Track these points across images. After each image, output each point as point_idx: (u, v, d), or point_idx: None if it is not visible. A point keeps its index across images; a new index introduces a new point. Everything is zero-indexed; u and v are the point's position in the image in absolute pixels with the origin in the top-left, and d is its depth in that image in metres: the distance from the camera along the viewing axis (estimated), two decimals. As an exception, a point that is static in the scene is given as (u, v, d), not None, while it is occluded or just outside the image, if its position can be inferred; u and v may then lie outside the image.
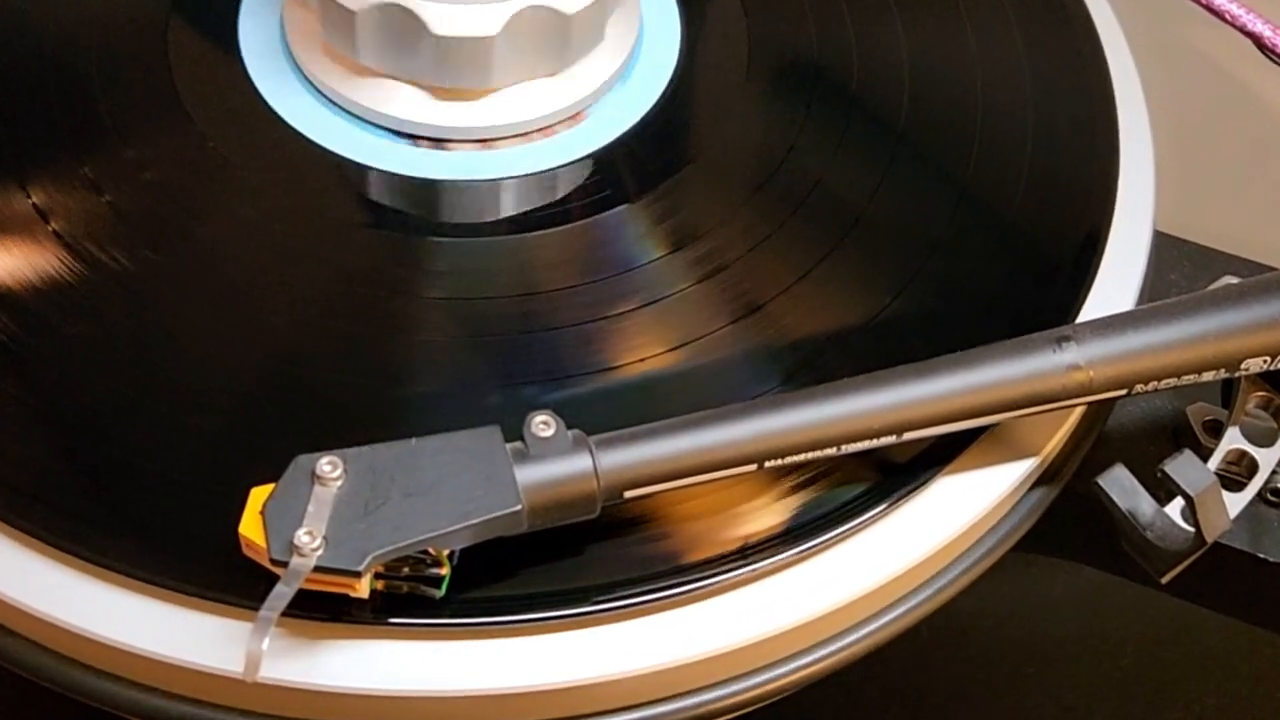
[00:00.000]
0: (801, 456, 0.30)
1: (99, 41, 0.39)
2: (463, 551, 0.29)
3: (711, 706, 0.31)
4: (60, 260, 0.34)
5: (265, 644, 0.27)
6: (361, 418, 0.32)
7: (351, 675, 0.29)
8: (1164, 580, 0.32)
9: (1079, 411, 0.34)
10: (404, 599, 0.29)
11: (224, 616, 0.30)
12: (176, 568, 0.30)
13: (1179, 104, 0.44)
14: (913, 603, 0.33)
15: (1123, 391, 0.32)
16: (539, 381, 0.33)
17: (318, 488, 0.28)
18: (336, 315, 0.34)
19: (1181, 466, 0.30)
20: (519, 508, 0.29)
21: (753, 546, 0.31)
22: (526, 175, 0.37)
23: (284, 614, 0.27)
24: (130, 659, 0.30)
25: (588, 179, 0.37)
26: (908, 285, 0.36)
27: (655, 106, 0.39)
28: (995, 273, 0.36)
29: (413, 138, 0.37)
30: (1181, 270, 0.39)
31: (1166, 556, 0.32)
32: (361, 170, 0.37)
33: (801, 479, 0.32)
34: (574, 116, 0.38)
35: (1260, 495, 0.35)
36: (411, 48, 0.36)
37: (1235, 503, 0.32)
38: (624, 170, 0.37)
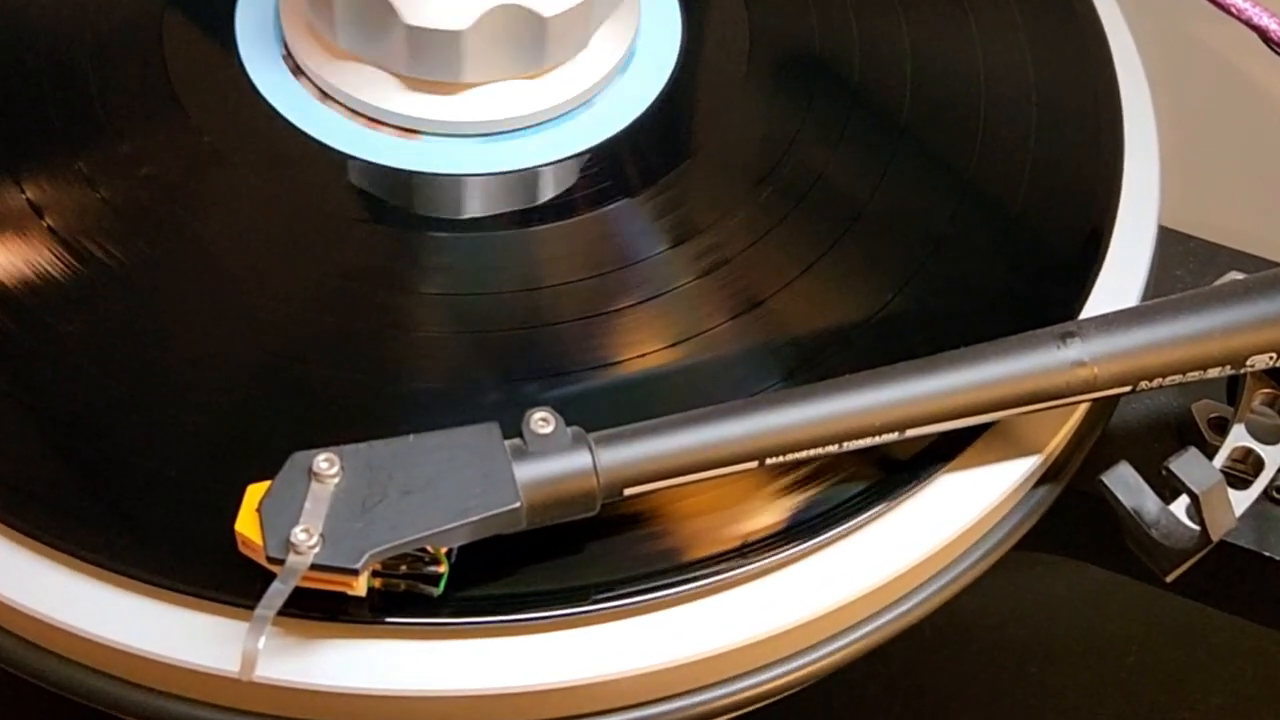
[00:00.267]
0: (802, 454, 0.30)
1: (93, 34, 0.38)
2: (461, 549, 0.29)
3: (711, 706, 0.31)
4: (54, 256, 0.34)
5: (261, 643, 0.27)
6: (359, 414, 0.32)
7: (348, 674, 0.29)
8: (1169, 579, 0.32)
9: (1083, 408, 0.34)
10: (402, 597, 0.29)
11: (219, 615, 0.29)
12: (172, 566, 0.30)
13: (1184, 98, 0.44)
14: (914, 601, 0.33)
15: (1127, 388, 0.31)
16: (538, 378, 0.33)
17: (315, 485, 0.28)
18: (334, 311, 0.34)
19: (1187, 464, 0.30)
20: (518, 505, 0.29)
21: (753, 544, 0.31)
22: (526, 169, 0.37)
23: (280, 612, 0.27)
24: (125, 658, 0.30)
25: (588, 173, 0.37)
26: (910, 281, 0.35)
27: (656, 100, 0.38)
28: (998, 268, 0.36)
29: (410, 131, 0.37)
30: (1186, 266, 0.39)
31: (1171, 555, 0.32)
32: (359, 165, 0.37)
33: (802, 476, 0.32)
34: (574, 110, 0.38)
35: (1266, 493, 0.34)
36: (382, 34, 0.36)
37: (1241, 500, 0.32)
38: (624, 164, 0.37)
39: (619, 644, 0.30)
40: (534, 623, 0.30)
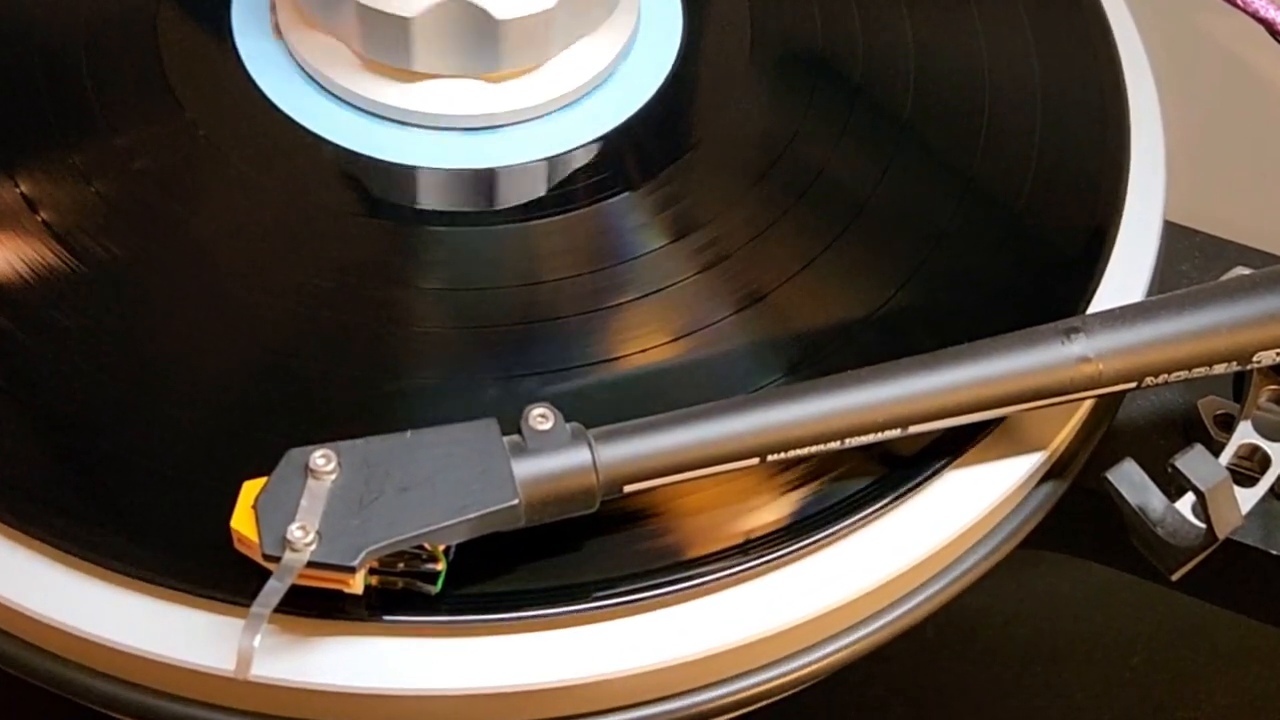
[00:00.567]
0: (805, 450, 0.30)
1: (87, 27, 0.38)
2: (459, 546, 0.29)
3: (711, 705, 0.31)
4: (49, 251, 0.34)
5: (257, 641, 0.27)
6: (355, 410, 0.32)
7: (345, 673, 0.29)
8: (1174, 577, 0.32)
9: (1088, 405, 0.34)
10: (399, 595, 0.29)
11: (215, 613, 0.29)
12: (166, 563, 0.30)
13: (1190, 92, 0.44)
14: (918, 600, 0.32)
15: (1132, 384, 0.31)
16: (536, 373, 0.33)
17: (311, 481, 0.28)
18: (331, 305, 0.34)
19: (1192, 461, 0.30)
20: (516, 502, 0.28)
21: (755, 542, 0.31)
22: (524, 163, 0.37)
23: (276, 610, 0.27)
24: (119, 656, 0.30)
25: (588, 166, 0.37)
26: (913, 276, 0.35)
27: (657, 93, 0.38)
28: (1002, 263, 0.36)
29: (407, 124, 0.37)
30: (1193, 261, 0.39)
31: (1177, 553, 0.31)
32: (356, 158, 0.36)
33: (804, 473, 0.32)
34: (574, 103, 0.38)
35: (1273, 491, 0.34)
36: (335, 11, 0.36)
37: (1247, 498, 0.32)
38: (625, 158, 0.37)
39: (618, 643, 0.30)
40: (533, 621, 0.30)
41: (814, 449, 0.30)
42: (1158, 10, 0.43)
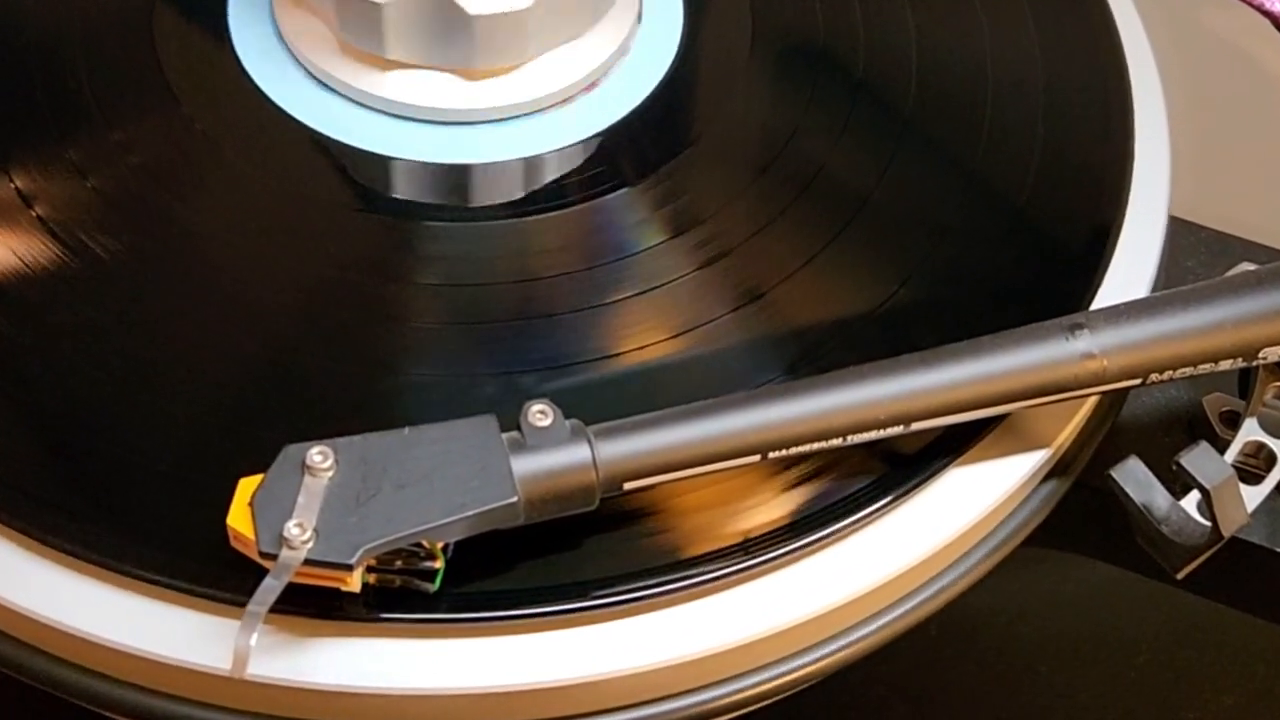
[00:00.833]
0: (806, 447, 0.30)
1: (83, 19, 0.38)
2: (457, 544, 0.29)
3: (712, 706, 0.31)
4: (44, 246, 0.34)
5: (253, 640, 0.27)
6: (353, 406, 0.32)
7: (342, 672, 0.29)
8: (1179, 576, 0.32)
9: (1092, 402, 0.34)
10: (397, 593, 0.29)
11: (211, 612, 0.29)
12: (162, 561, 0.29)
13: (1195, 86, 0.44)
14: (920, 599, 0.32)
15: (1137, 381, 0.31)
16: (536, 370, 0.33)
17: (308, 478, 0.28)
18: (327, 301, 0.34)
19: (1198, 459, 0.30)
20: (515, 499, 0.28)
21: (755, 540, 0.31)
22: (523, 158, 0.37)
23: (273, 609, 0.27)
24: (114, 655, 0.29)
25: (587, 162, 0.37)
26: (915, 272, 0.35)
27: (657, 88, 0.38)
28: (1005, 259, 0.36)
29: (405, 118, 0.37)
30: (1197, 257, 0.39)
31: (1182, 551, 0.31)
32: (354, 153, 0.36)
33: (806, 471, 0.32)
34: (573, 97, 0.38)
35: (1279, 488, 0.34)
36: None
37: (1253, 496, 0.32)
38: (624, 153, 0.37)
39: (618, 642, 0.30)
40: (532, 620, 0.29)
41: (815, 446, 0.30)
42: (1162, 3, 0.43)
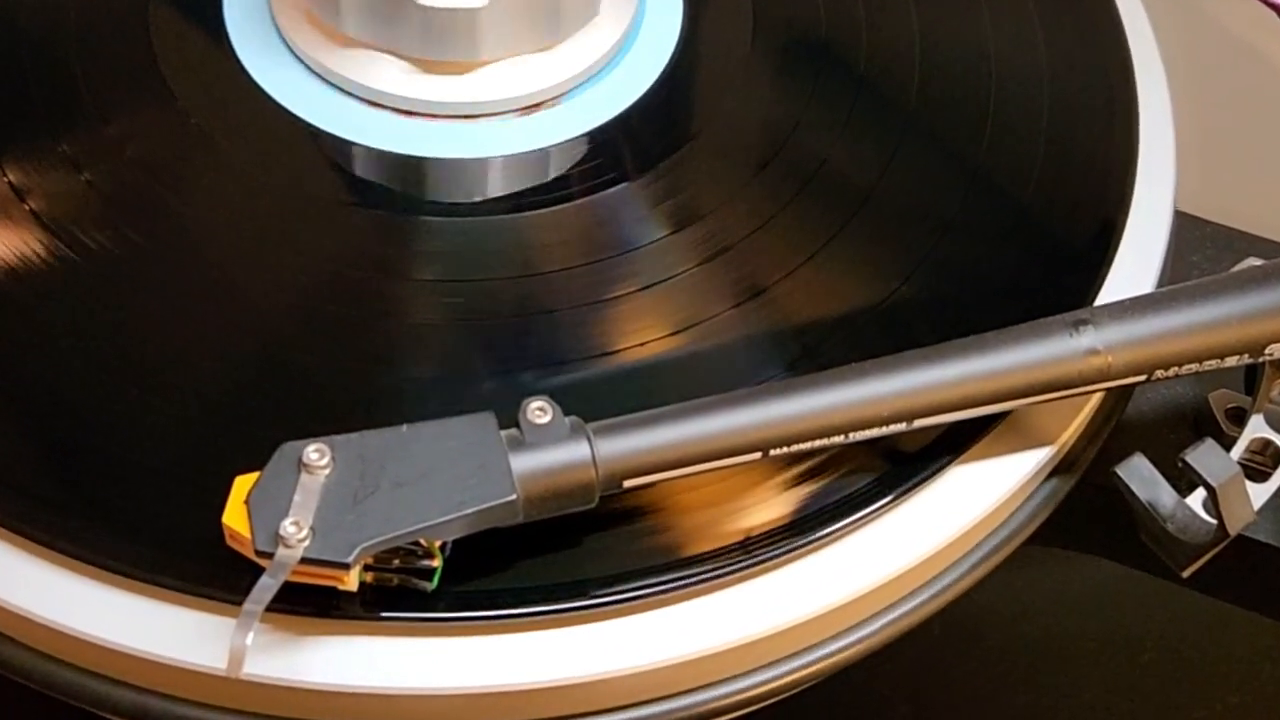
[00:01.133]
0: (807, 445, 0.30)
1: (78, 11, 0.38)
2: (455, 543, 0.29)
3: (712, 706, 0.30)
4: (37, 241, 0.34)
5: (249, 639, 0.27)
6: (350, 404, 0.32)
7: (339, 672, 0.29)
8: (1185, 574, 0.32)
9: (1097, 398, 0.34)
10: (394, 592, 0.29)
11: (206, 611, 0.29)
12: (157, 560, 0.29)
13: (1201, 80, 0.44)
14: (923, 598, 0.32)
15: (1142, 377, 0.31)
16: (535, 366, 0.33)
17: (304, 476, 0.28)
18: (324, 297, 0.34)
19: (1203, 456, 0.30)
20: (514, 497, 0.28)
21: (756, 539, 0.31)
22: (523, 152, 0.37)
23: (269, 608, 0.27)
24: (109, 655, 0.29)
25: (586, 156, 0.37)
26: (918, 268, 0.35)
27: (657, 82, 0.38)
28: (1009, 255, 0.36)
29: (403, 113, 0.37)
30: (1203, 252, 0.39)
31: (1188, 549, 0.31)
32: (350, 146, 0.36)
33: (807, 468, 0.32)
34: (571, 92, 0.38)
35: (1285, 486, 0.34)
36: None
37: (1259, 494, 0.32)
38: (624, 148, 0.37)
39: (618, 641, 0.30)
40: (531, 619, 0.29)
41: (817, 443, 0.30)
42: (1167, -4, 0.43)
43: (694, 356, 0.33)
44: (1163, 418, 0.36)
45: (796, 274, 0.35)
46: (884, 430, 0.30)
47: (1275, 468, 0.33)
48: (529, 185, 0.36)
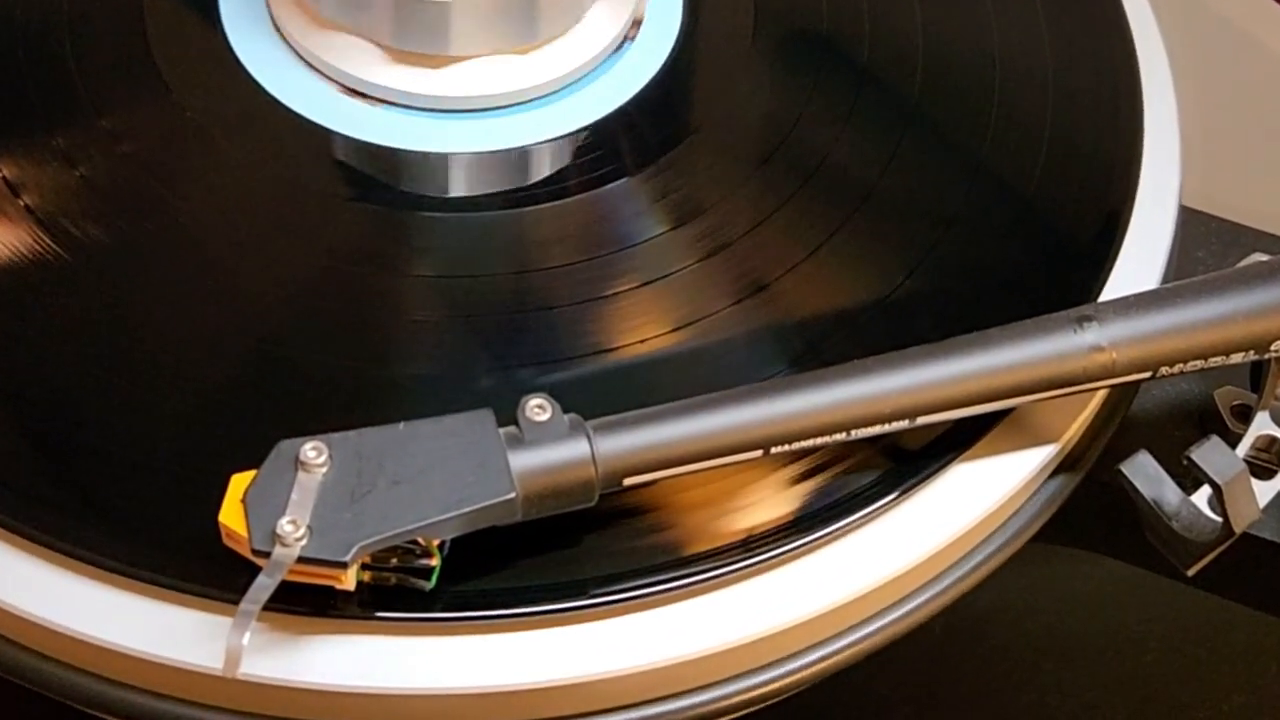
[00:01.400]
0: (809, 442, 0.30)
1: (72, 4, 0.38)
2: (454, 541, 0.29)
3: (713, 706, 0.30)
4: (31, 235, 0.34)
5: (246, 639, 0.26)
6: (347, 401, 0.32)
7: (336, 671, 0.29)
8: (1190, 572, 0.32)
9: (1101, 395, 0.34)
10: (392, 591, 0.29)
11: (203, 610, 0.29)
12: (153, 559, 0.29)
13: (1206, 74, 0.44)
14: (925, 597, 0.32)
15: (1147, 374, 0.31)
16: (534, 363, 0.32)
17: (301, 474, 0.28)
18: (321, 293, 0.33)
19: (1208, 453, 0.30)
20: (513, 496, 0.28)
21: (758, 538, 0.30)
22: (521, 147, 0.36)
23: (266, 607, 0.27)
24: (104, 654, 0.29)
25: (586, 151, 0.37)
26: (921, 264, 0.35)
27: (657, 75, 0.38)
28: (1013, 250, 0.36)
29: (401, 107, 0.37)
30: (1208, 247, 0.39)
31: (1193, 548, 0.31)
32: (348, 142, 0.36)
33: (809, 466, 0.31)
34: (571, 86, 0.37)
35: (1290, 483, 0.34)
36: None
37: (1265, 491, 0.32)
38: (623, 142, 0.37)
39: (618, 641, 0.29)
40: (530, 619, 0.29)
41: (819, 441, 0.30)
42: (1172, -10, 0.43)
43: (695, 353, 0.33)
44: (1168, 415, 0.36)
45: (798, 269, 0.34)
46: (887, 427, 0.30)
47: (1281, 465, 0.33)
48: (528, 180, 0.36)
